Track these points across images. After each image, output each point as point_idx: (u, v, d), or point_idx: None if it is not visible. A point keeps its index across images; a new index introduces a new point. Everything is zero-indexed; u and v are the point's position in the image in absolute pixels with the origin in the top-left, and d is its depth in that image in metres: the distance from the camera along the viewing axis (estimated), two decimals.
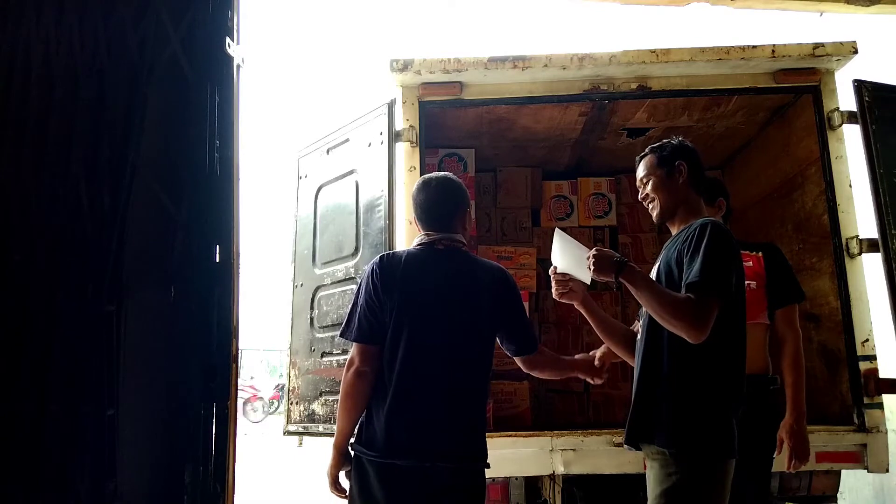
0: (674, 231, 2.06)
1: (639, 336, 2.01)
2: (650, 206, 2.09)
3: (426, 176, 2.12)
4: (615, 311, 4.16)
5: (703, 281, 1.75)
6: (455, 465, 1.85)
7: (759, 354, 2.39)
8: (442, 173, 2.11)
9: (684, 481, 1.75)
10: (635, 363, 2.00)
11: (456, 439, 1.87)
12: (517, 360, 2.18)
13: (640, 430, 1.88)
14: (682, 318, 1.74)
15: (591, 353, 2.29)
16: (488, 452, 1.96)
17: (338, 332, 3.17)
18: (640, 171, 2.12)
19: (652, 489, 1.83)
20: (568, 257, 2.06)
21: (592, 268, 1.90)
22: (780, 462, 2.37)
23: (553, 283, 2.10)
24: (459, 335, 1.92)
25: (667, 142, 2.11)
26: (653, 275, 2.00)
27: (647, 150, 2.13)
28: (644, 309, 1.94)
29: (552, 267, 2.11)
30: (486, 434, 2.01)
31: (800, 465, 2.32)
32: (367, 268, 2.00)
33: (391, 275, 1.93)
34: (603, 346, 2.25)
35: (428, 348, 1.88)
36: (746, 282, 2.38)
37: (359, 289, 2.00)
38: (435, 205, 2.02)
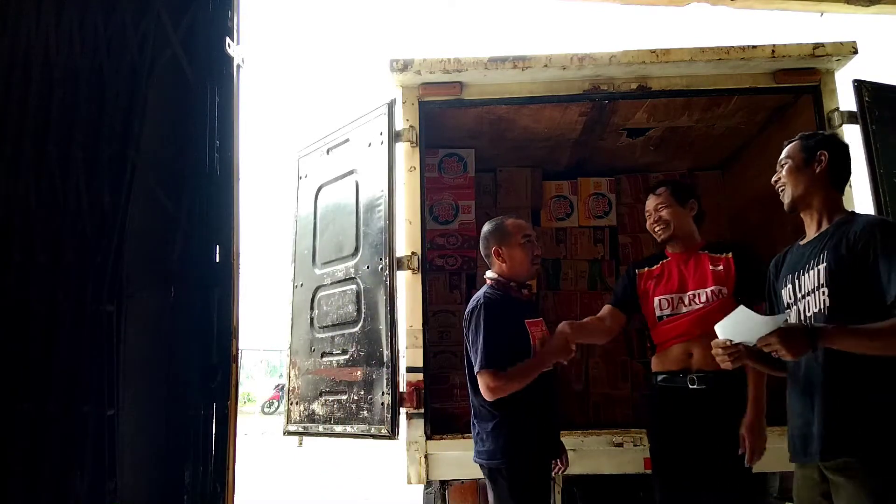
0: (809, 221, 1.99)
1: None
2: (781, 190, 2.02)
3: None
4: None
5: None
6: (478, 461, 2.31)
7: None
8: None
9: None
10: (802, 375, 1.88)
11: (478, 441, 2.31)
12: None
13: (848, 442, 1.74)
14: None
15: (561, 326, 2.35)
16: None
17: (337, 332, 3.19)
18: (783, 154, 2.05)
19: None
20: (742, 330, 1.85)
21: (785, 351, 1.72)
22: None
23: (725, 356, 1.91)
24: (467, 360, 2.32)
25: (819, 132, 2.09)
26: (811, 276, 1.89)
27: (797, 136, 2.06)
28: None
29: (725, 340, 1.91)
30: None
31: (757, 460, 2.33)
32: None
33: None
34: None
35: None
36: (718, 287, 2.40)
37: None
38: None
